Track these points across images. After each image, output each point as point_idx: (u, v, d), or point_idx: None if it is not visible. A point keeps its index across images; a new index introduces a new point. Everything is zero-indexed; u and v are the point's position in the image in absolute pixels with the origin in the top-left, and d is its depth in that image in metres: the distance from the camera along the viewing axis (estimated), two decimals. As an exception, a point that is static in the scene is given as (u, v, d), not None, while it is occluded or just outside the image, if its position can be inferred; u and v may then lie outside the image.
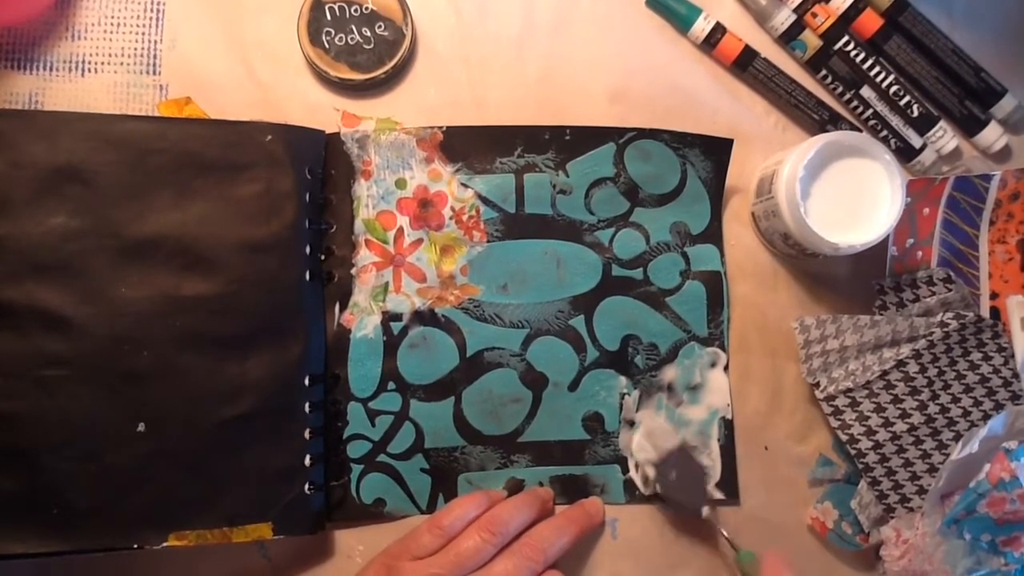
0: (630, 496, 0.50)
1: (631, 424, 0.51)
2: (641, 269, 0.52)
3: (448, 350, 0.50)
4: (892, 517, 0.49)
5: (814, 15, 0.53)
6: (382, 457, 0.49)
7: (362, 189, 0.50)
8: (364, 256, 0.50)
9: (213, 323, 0.46)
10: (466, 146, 0.51)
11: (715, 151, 0.52)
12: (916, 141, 0.53)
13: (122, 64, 0.51)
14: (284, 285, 0.47)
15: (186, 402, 0.45)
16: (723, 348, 0.52)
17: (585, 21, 0.53)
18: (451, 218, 0.51)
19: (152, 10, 0.51)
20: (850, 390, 0.49)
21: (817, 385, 0.50)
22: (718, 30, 0.53)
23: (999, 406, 0.49)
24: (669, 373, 0.51)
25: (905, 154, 0.53)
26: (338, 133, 0.50)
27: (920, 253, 0.51)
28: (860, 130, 0.53)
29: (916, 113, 0.53)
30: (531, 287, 0.51)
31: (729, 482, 0.50)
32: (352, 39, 0.50)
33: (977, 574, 0.45)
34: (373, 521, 0.49)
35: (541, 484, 0.50)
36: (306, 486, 0.46)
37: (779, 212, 0.48)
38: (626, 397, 0.51)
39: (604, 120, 0.52)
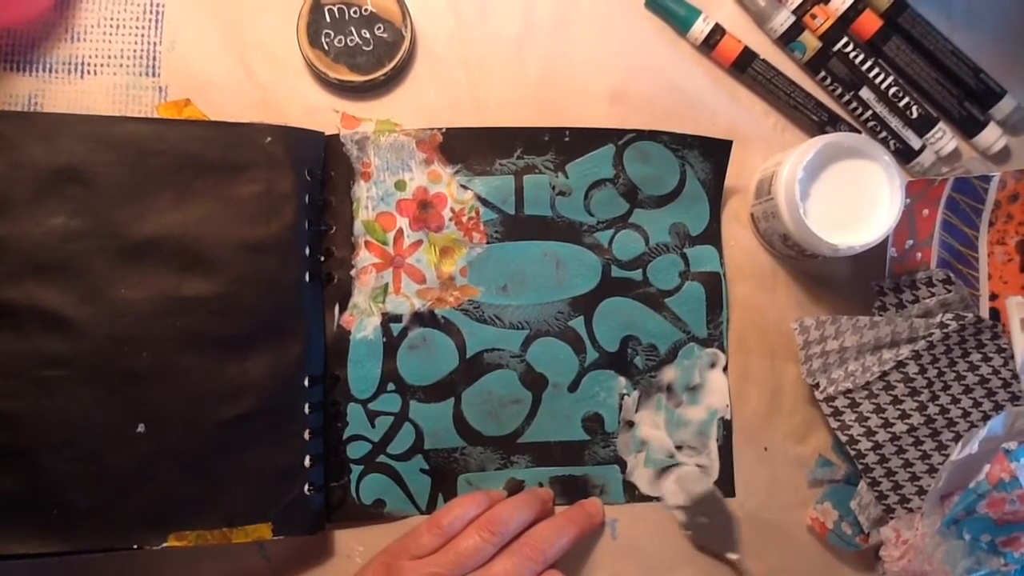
0: (630, 496, 0.50)
1: (630, 425, 0.51)
2: (640, 270, 0.52)
3: (448, 351, 0.50)
4: (892, 518, 0.49)
5: (813, 16, 0.53)
6: (382, 458, 0.49)
7: (362, 190, 0.50)
8: (364, 257, 0.50)
9: (213, 323, 0.46)
10: (466, 148, 0.51)
11: (714, 152, 0.52)
12: (915, 142, 0.53)
13: (121, 66, 0.51)
14: (284, 286, 0.47)
15: (186, 402, 0.45)
16: (722, 349, 0.52)
17: (584, 23, 0.53)
18: (451, 219, 0.51)
19: (151, 12, 0.51)
20: (850, 391, 0.49)
21: (817, 386, 0.50)
22: (717, 31, 0.53)
23: (999, 407, 0.49)
24: (668, 374, 0.51)
25: (904, 155, 0.53)
26: (338, 135, 0.50)
27: (919, 254, 0.51)
28: (859, 131, 0.53)
29: (915, 114, 0.53)
30: (531, 288, 0.51)
31: (726, 482, 0.51)
32: (351, 41, 0.51)
33: (977, 574, 0.45)
34: (373, 522, 0.49)
35: (541, 485, 0.50)
36: (306, 487, 0.47)
37: (778, 213, 0.48)
38: (625, 398, 0.51)
39: (604, 121, 0.52)
